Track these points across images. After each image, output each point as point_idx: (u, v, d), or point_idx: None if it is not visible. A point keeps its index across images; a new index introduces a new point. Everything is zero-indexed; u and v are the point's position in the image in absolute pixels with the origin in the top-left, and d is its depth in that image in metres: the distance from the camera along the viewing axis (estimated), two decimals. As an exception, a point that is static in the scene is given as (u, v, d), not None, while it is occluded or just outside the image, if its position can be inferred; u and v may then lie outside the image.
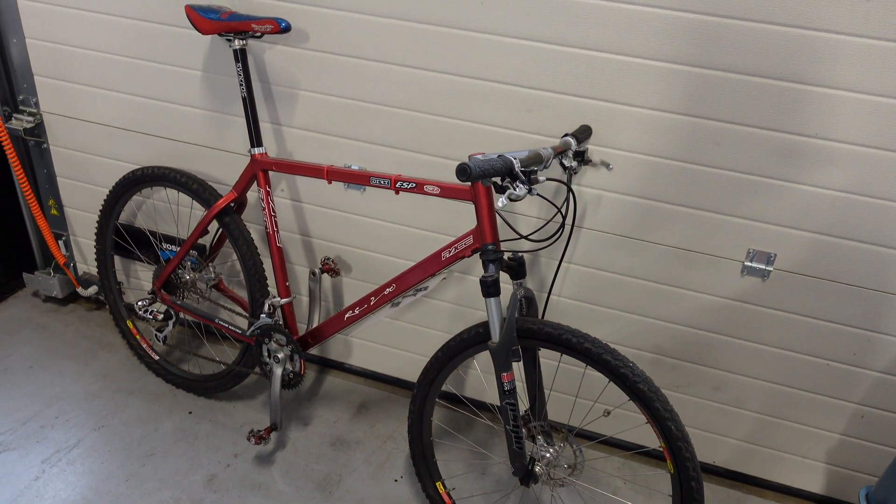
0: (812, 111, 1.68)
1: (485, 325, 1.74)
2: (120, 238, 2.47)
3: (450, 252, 1.74)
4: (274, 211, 2.03)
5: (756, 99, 1.70)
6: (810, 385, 2.03)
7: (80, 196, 2.59)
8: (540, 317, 1.79)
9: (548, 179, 1.51)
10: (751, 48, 1.65)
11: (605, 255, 2.04)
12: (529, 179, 1.42)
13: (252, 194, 2.25)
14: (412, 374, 2.49)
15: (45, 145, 2.52)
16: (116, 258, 2.64)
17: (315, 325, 2.17)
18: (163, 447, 2.23)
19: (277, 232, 2.05)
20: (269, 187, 2.02)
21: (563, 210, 1.65)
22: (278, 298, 2.09)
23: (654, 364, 2.15)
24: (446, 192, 1.70)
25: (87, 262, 2.75)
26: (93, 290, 2.73)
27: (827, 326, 1.93)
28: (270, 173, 2.23)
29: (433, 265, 1.78)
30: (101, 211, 2.38)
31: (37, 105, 2.45)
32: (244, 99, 1.96)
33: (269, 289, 2.17)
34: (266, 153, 2.01)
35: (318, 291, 2.18)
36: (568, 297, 2.14)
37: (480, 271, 2.18)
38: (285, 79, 2.09)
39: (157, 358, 2.47)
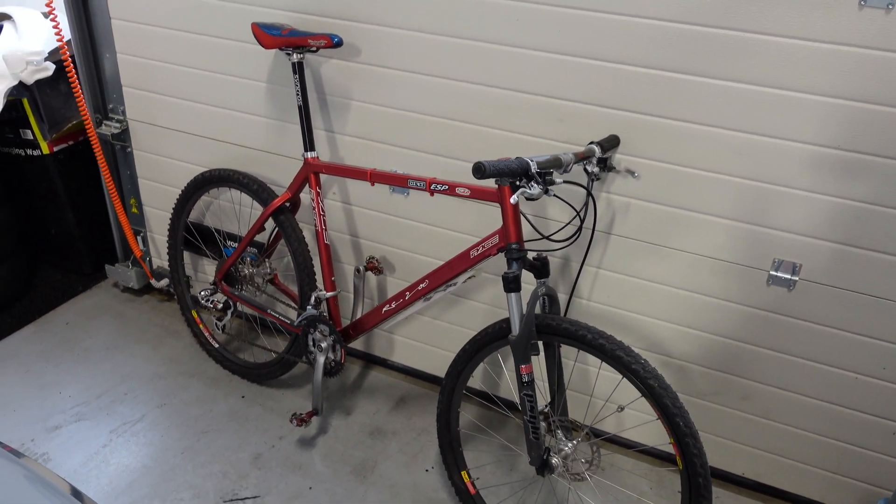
0: (831, 121, 1.72)
1: (508, 321, 1.85)
2: (189, 235, 2.71)
3: (477, 250, 1.86)
4: (323, 211, 2.21)
5: (770, 110, 1.75)
6: (838, 398, 2.03)
7: (157, 196, 2.85)
8: (564, 313, 1.88)
9: (566, 182, 1.61)
10: (768, 59, 1.71)
11: (635, 262, 2.10)
12: (545, 180, 1.53)
13: (305, 196, 2.43)
14: (450, 372, 2.60)
15: (129, 149, 2.80)
16: (185, 254, 2.89)
17: (357, 317, 2.32)
18: (216, 426, 2.43)
19: (326, 230, 2.23)
20: (320, 189, 2.20)
21: (583, 213, 1.74)
22: (324, 292, 2.25)
23: (681, 371, 2.20)
24: (476, 193, 1.82)
25: (160, 257, 3.01)
26: (164, 282, 2.99)
27: (855, 339, 1.94)
28: (322, 176, 2.42)
29: (462, 263, 1.90)
30: (173, 209, 2.62)
31: (124, 113, 2.73)
32: (300, 108, 2.15)
33: (317, 283, 2.34)
34: (318, 157, 2.19)
35: (361, 287, 2.34)
36: (598, 301, 2.21)
37: (514, 274, 2.28)
38: (338, 90, 2.27)
39: (216, 346, 2.68)
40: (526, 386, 1.77)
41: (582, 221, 1.73)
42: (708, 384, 2.18)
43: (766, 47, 1.70)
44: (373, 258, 2.39)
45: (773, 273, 1.94)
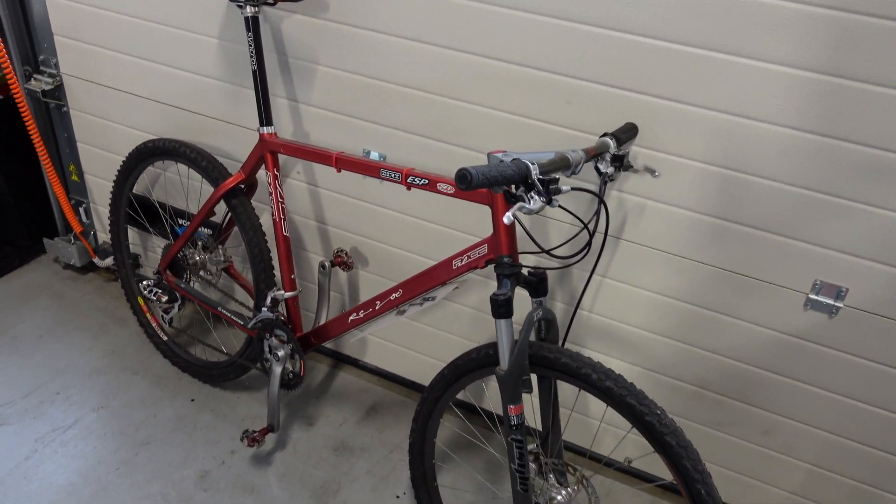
0: (910, 124, 1.38)
1: (496, 348, 1.53)
2: (134, 211, 2.35)
3: (462, 261, 1.54)
4: (282, 197, 1.86)
5: (843, 105, 1.41)
6: (873, 440, 1.75)
7: (100, 163, 2.48)
8: (560, 342, 1.57)
9: (573, 189, 1.28)
10: (841, 41, 1.36)
11: (646, 272, 1.79)
12: (549, 189, 1.19)
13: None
14: (427, 378, 2.30)
15: (64, 109, 2.42)
16: (132, 231, 2.54)
17: (321, 322, 2.00)
18: (160, 435, 2.12)
19: (285, 220, 1.89)
20: (279, 171, 1.85)
21: (592, 225, 1.41)
22: (282, 292, 1.92)
23: (694, 397, 1.90)
24: (461, 192, 1.49)
25: (105, 232, 2.66)
26: (110, 260, 2.65)
27: (903, 377, 1.64)
28: (282, 156, 2.06)
29: (443, 273, 1.58)
30: (114, 182, 2.27)
31: (57, 66, 2.34)
32: (254, 73, 1.78)
33: (275, 279, 2.01)
34: (275, 133, 1.83)
35: (327, 286, 2.01)
36: (600, 314, 1.90)
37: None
38: (303, 51, 1.90)
39: (165, 339, 2.36)
40: (514, 430, 1.47)
41: (591, 235, 1.40)
42: (723, 413, 1.89)
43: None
44: (341, 251, 2.06)
45: (812, 297, 1.63)
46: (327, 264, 1.99)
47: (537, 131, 1.71)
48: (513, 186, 1.22)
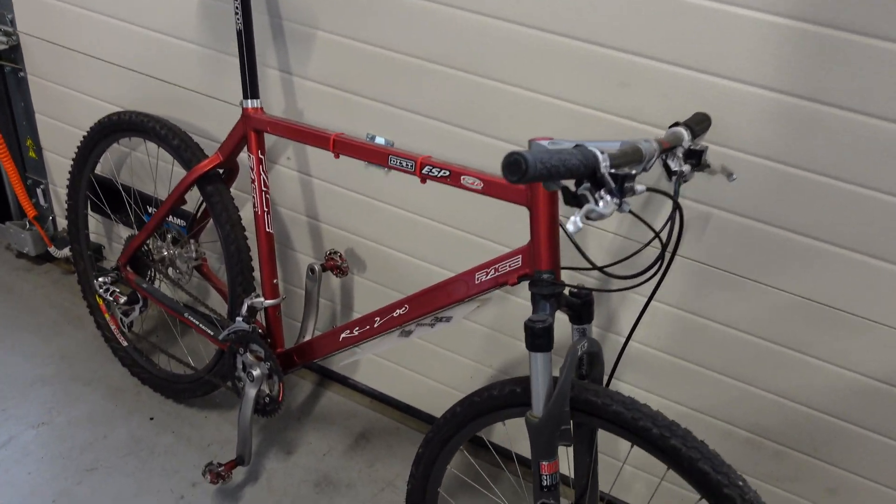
0: None
1: (524, 384, 1.22)
2: (96, 195, 2.02)
3: (487, 274, 1.22)
4: (266, 185, 1.54)
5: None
6: (973, 512, 1.45)
7: (61, 138, 2.16)
8: (605, 382, 1.26)
9: (648, 189, 0.97)
10: None
11: (705, 296, 1.48)
12: (623, 188, 0.88)
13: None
14: (428, 403, 1.98)
15: (21, 74, 2.09)
16: (96, 219, 2.21)
17: (307, 337, 1.68)
18: (109, 461, 1.80)
19: (269, 213, 1.57)
20: (263, 154, 1.53)
21: (665, 235, 1.10)
22: (261, 299, 1.60)
23: (748, 445, 1.59)
24: (492, 188, 1.18)
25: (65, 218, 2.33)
26: (67, 251, 2.31)
27: None
28: (269, 138, 1.74)
29: (462, 288, 1.26)
30: (73, 160, 1.94)
31: (13, 23, 2.01)
32: (239, 33, 1.47)
33: (254, 284, 1.69)
34: (262, 109, 1.51)
35: (315, 295, 1.69)
36: (642, 342, 1.59)
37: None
38: (300, 13, 1.58)
39: (125, 344, 2.03)
40: (546, 492, 1.16)
41: (664, 248, 1.09)
42: (784, 467, 1.58)
43: None
44: (335, 253, 1.74)
45: (914, 336, 1.32)
46: (317, 268, 1.67)
47: (583, 120, 1.40)
48: (571, 184, 0.91)
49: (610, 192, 0.86)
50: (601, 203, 0.84)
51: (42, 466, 1.76)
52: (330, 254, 1.74)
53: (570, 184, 0.89)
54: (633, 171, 0.90)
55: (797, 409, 1.51)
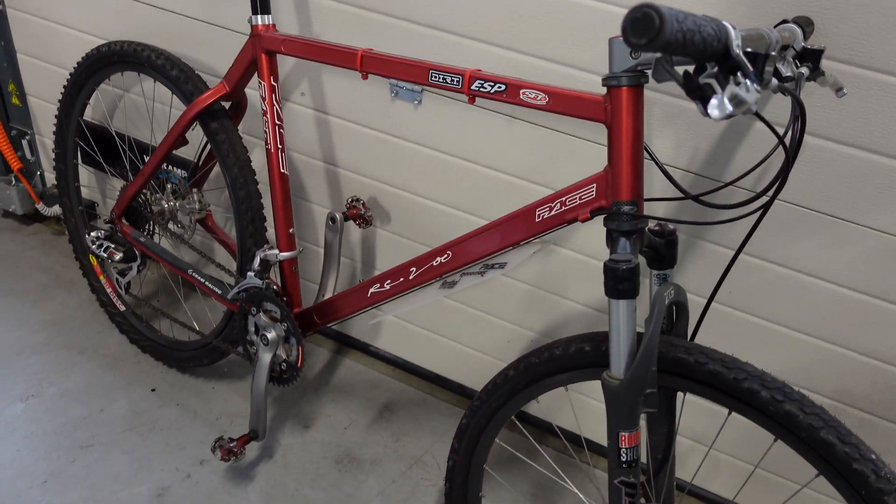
0: None
1: (595, 342, 1.02)
2: (87, 144, 1.81)
3: (551, 210, 1.02)
4: (280, 118, 1.33)
5: None
6: None
7: (46, 81, 1.94)
8: (689, 336, 1.06)
9: (779, 86, 0.76)
10: None
11: (788, 242, 1.28)
12: (762, 73, 0.67)
13: (255, 93, 1.55)
14: (458, 372, 1.79)
15: (0, 7, 1.87)
16: (88, 171, 2.01)
17: (328, 295, 1.48)
18: (106, 437, 1.61)
19: (283, 151, 1.36)
20: (277, 81, 1.31)
21: (789, 141, 0.88)
22: (275, 251, 1.40)
23: (864, 426, 1.40)
24: (560, 102, 0.97)
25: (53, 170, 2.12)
26: (58, 208, 2.10)
27: None
28: (285, 61, 1.53)
29: (520, 228, 1.06)
30: (59, 103, 1.72)
31: (-12, -52, 1.79)
32: (247, -66, 1.24)
33: (266, 236, 1.49)
34: (274, 26, 1.30)
35: (337, 247, 1.48)
36: (728, 303, 1.39)
37: (578, 239, 1.45)
38: (317, -84, 1.36)
39: (122, 309, 1.84)
40: (625, 468, 0.97)
41: (790, 161, 0.86)
42: (872, 438, 1.36)
43: None
44: (356, 201, 1.54)
45: None
46: (338, 217, 1.46)
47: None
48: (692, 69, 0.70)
49: (749, 76, 0.65)
50: (743, 88, 0.63)
51: (32, 443, 1.57)
52: (352, 201, 1.53)
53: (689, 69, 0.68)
54: (782, 51, 0.69)
55: (888, 372, 1.31)
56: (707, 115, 0.65)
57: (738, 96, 0.62)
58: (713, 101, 0.62)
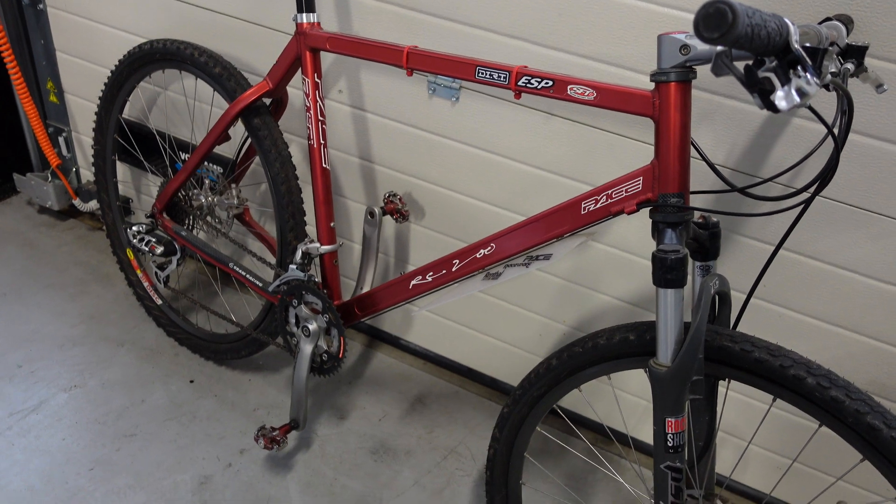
0: None
1: (640, 331, 1.05)
2: (126, 140, 1.85)
3: (597, 202, 1.04)
4: (323, 114, 1.36)
5: None
6: None
7: (85, 79, 1.98)
8: (732, 326, 1.08)
9: (831, 80, 0.78)
10: None
11: (824, 237, 1.30)
12: (820, 66, 0.69)
13: (296, 92, 1.58)
14: (489, 365, 1.82)
15: (41, 6, 1.92)
16: (124, 167, 2.05)
17: (367, 288, 1.51)
18: (148, 427, 1.65)
19: (325, 146, 1.39)
20: (320, 78, 1.35)
21: (837, 135, 0.90)
22: (317, 244, 1.43)
23: None
24: (608, 97, 0.99)
25: (91, 167, 2.17)
26: (94, 204, 2.15)
27: None
28: (325, 61, 1.56)
29: (565, 221, 1.09)
30: (100, 101, 1.76)
31: (30, -51, 1.83)
32: (293, -65, 1.27)
33: (306, 230, 1.52)
34: (319, 24, 1.33)
35: (375, 241, 1.52)
36: (767, 298, 1.41)
37: (612, 234, 1.47)
38: (359, -83, 1.39)
39: (159, 303, 1.88)
40: (671, 453, 0.99)
41: (838, 151, 0.88)
42: (905, 431, 1.41)
43: None
44: (393, 196, 1.57)
45: None
46: (377, 211, 1.50)
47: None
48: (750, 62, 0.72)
49: (810, 70, 0.67)
50: (805, 81, 0.66)
51: (76, 433, 1.61)
52: (389, 196, 1.56)
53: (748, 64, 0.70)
54: (829, 47, 0.71)
55: (925, 365, 1.33)
56: (765, 107, 0.68)
57: (803, 88, 0.64)
58: (779, 94, 0.64)
